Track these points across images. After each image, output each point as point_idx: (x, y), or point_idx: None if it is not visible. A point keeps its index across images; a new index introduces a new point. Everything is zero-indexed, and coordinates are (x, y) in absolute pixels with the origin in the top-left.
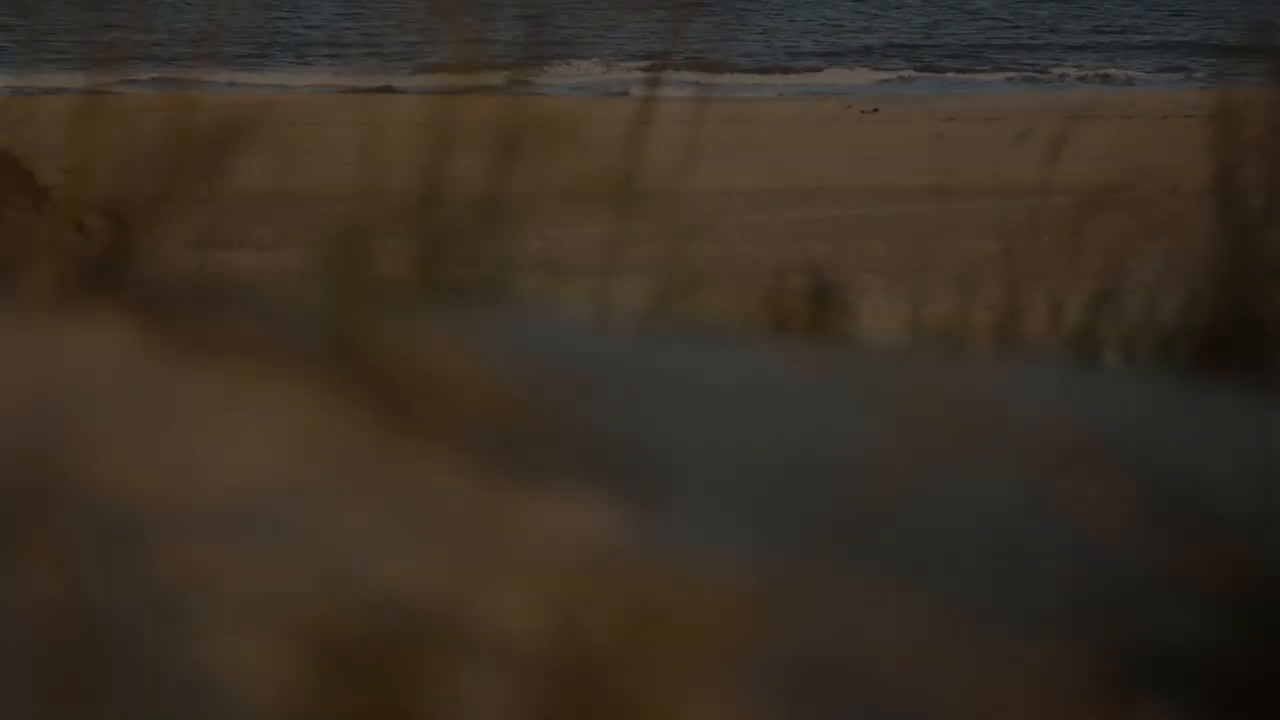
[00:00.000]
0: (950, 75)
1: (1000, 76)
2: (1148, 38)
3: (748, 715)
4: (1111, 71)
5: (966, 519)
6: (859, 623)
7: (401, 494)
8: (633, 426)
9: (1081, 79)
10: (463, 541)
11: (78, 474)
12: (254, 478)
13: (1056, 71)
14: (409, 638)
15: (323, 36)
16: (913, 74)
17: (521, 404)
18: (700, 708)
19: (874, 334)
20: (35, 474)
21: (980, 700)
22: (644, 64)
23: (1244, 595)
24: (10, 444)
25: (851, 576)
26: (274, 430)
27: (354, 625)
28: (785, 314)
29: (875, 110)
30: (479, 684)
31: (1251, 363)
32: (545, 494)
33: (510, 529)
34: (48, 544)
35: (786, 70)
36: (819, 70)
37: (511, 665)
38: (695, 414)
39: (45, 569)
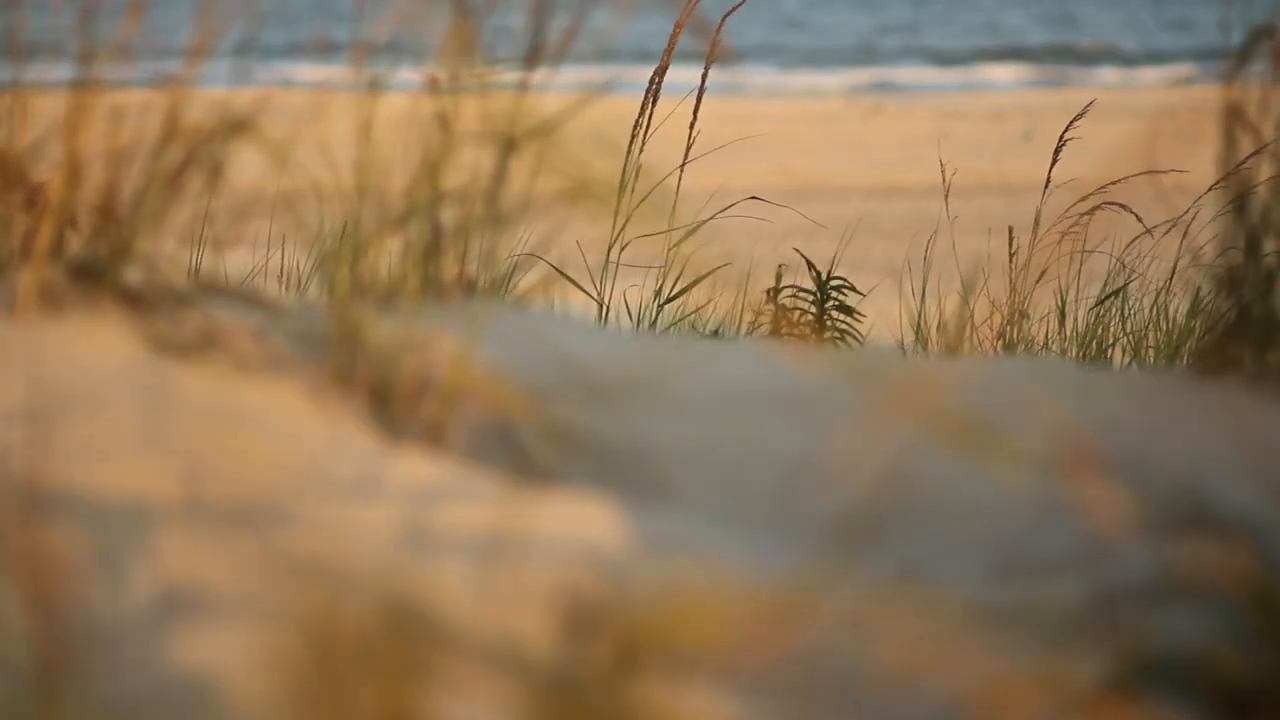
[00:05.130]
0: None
1: (1005, 75)
2: (1151, 36)
3: (749, 717)
4: (1116, 69)
5: (971, 519)
6: (863, 623)
7: (400, 493)
8: (633, 426)
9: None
10: (461, 541)
11: (72, 473)
12: (251, 477)
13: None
14: (407, 638)
15: (321, 35)
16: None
17: (521, 403)
18: (703, 711)
19: (877, 332)
20: (30, 473)
21: (986, 701)
22: (645, 62)
23: (1249, 596)
24: (5, 443)
25: (856, 577)
26: (270, 429)
27: (352, 625)
28: (787, 313)
29: (878, 107)
30: (478, 685)
31: (1258, 361)
32: (545, 493)
33: (509, 528)
34: (43, 543)
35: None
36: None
37: (511, 666)
38: (696, 414)
39: (40, 567)
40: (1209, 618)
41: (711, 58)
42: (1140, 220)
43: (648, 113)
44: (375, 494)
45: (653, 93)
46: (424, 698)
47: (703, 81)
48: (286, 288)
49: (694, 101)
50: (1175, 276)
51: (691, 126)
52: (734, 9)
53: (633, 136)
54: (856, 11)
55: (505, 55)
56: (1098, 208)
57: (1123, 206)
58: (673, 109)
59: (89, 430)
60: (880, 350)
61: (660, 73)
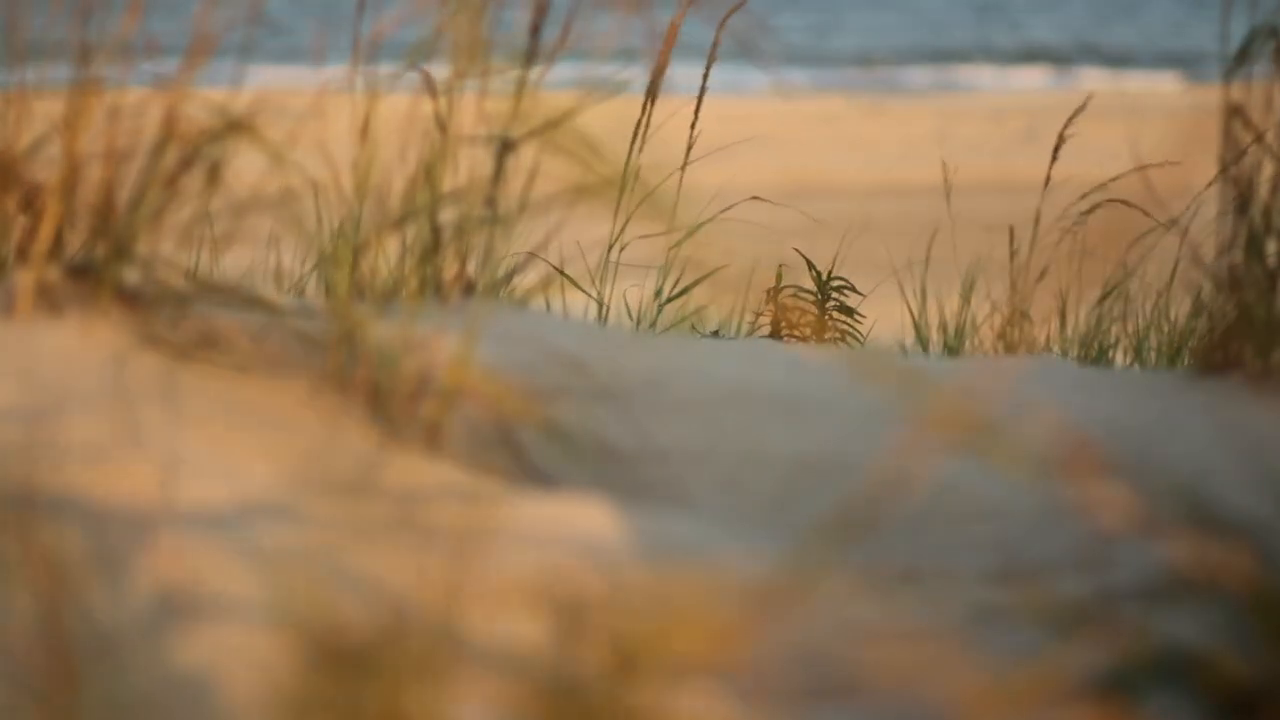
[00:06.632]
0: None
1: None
2: (1152, 37)
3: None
4: (1116, 70)
5: (972, 518)
6: (864, 622)
7: (399, 493)
8: (632, 426)
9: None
10: (461, 541)
11: (71, 473)
12: (248, 478)
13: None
14: (405, 639)
15: (319, 35)
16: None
17: (521, 403)
18: (699, 711)
19: (878, 333)
20: (29, 473)
21: (985, 699)
22: (645, 61)
23: (1249, 595)
24: (4, 443)
25: (855, 575)
26: (269, 430)
27: (349, 626)
28: (787, 313)
29: (879, 107)
30: (475, 685)
31: (1259, 361)
32: (544, 493)
33: (509, 528)
34: (42, 543)
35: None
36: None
37: (507, 667)
38: (696, 414)
39: (40, 568)
40: (1209, 618)
41: (713, 57)
42: (1142, 219)
43: (648, 112)
44: (371, 494)
45: (651, 92)
46: (421, 698)
47: (704, 81)
48: (285, 288)
49: (695, 101)
50: (1176, 277)
51: (693, 126)
52: (733, 10)
53: (634, 136)
54: (863, 10)
55: (506, 54)
56: (1098, 206)
57: (1126, 204)
58: (676, 109)
59: (87, 430)
60: (881, 351)
61: (658, 72)
